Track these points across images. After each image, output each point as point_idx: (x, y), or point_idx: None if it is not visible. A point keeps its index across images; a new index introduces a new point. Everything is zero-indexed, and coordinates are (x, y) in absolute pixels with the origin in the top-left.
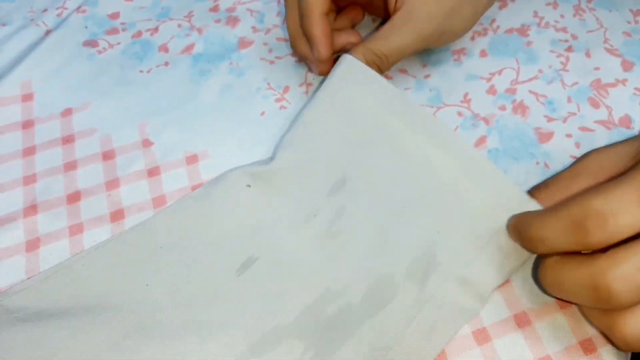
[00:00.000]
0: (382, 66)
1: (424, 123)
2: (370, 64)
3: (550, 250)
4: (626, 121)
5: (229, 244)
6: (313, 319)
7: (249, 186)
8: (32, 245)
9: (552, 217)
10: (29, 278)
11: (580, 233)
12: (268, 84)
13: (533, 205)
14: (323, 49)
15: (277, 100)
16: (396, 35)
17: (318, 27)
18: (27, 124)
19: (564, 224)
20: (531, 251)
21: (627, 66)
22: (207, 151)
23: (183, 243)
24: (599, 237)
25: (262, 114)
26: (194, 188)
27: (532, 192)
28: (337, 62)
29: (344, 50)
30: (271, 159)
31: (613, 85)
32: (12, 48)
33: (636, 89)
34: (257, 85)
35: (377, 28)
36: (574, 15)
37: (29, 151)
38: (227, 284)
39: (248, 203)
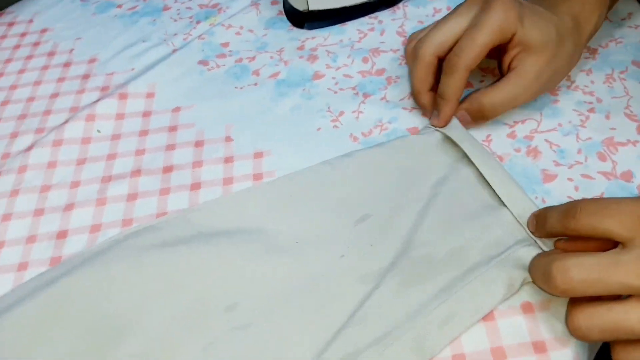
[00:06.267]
0: (487, 114)
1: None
2: (474, 111)
3: None
4: (628, 176)
5: (349, 202)
6: (403, 259)
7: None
8: (132, 197)
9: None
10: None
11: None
12: (328, 107)
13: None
14: (449, 111)
15: (332, 120)
16: (507, 88)
17: (457, 88)
18: (146, 114)
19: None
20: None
21: None
22: (270, 150)
23: (313, 195)
24: None
25: (319, 129)
26: (254, 176)
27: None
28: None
29: None
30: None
31: (624, 144)
32: (146, 59)
33: None
34: (320, 108)
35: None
36: (604, 82)
37: (144, 133)
38: (347, 231)
39: (361, 174)
